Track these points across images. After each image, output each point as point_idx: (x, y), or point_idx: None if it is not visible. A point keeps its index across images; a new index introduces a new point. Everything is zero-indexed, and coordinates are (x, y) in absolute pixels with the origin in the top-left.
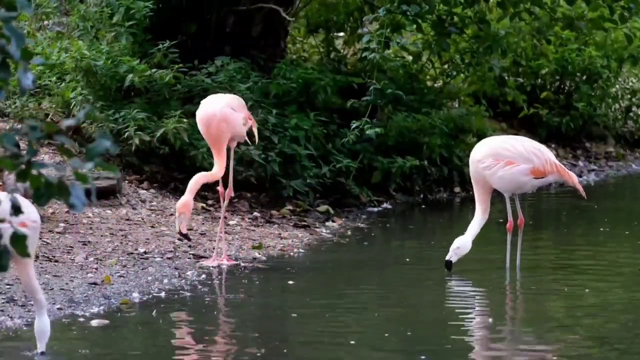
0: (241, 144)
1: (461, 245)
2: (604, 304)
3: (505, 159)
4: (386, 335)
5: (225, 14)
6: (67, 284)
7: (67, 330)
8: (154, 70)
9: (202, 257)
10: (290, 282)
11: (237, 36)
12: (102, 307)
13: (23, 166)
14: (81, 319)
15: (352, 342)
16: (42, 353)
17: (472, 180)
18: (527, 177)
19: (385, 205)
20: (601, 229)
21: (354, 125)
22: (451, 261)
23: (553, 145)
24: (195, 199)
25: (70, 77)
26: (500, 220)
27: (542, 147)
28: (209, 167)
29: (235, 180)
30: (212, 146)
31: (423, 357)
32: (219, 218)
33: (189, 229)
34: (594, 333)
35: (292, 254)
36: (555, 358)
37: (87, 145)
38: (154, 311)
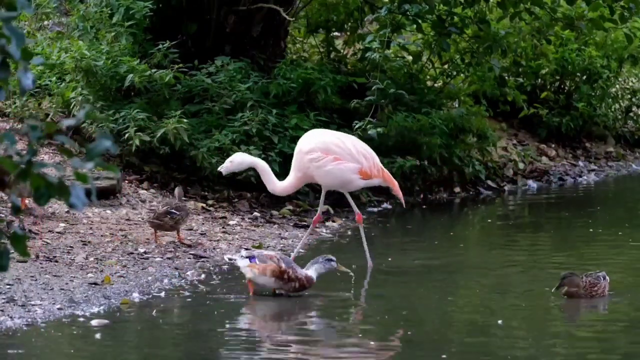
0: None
1: (234, 159)
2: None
3: (333, 154)
4: (387, 335)
5: (225, 14)
6: (67, 284)
7: (67, 330)
8: (154, 70)
9: (202, 257)
10: None
11: (237, 36)
12: (102, 307)
13: (23, 166)
14: (81, 319)
15: (353, 342)
16: None
17: (292, 167)
18: (355, 176)
19: (385, 205)
20: (591, 230)
21: (356, 126)
22: (221, 172)
23: (553, 145)
24: (195, 198)
25: (70, 77)
26: (499, 223)
27: (371, 150)
28: (209, 167)
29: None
30: None
31: (444, 356)
32: (219, 218)
33: (189, 229)
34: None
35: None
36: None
37: (87, 145)
38: (154, 311)
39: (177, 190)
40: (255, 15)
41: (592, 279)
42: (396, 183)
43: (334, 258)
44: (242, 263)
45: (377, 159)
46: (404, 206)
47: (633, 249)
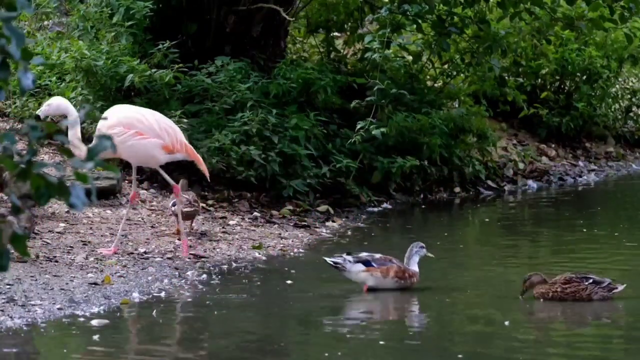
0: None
1: (52, 103)
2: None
3: (135, 129)
4: (387, 335)
5: (225, 14)
6: (67, 284)
7: (67, 330)
8: (154, 70)
9: (202, 257)
10: (290, 282)
11: (237, 36)
12: (102, 307)
13: (23, 166)
14: (81, 319)
15: (353, 342)
16: None
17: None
18: (157, 151)
19: (385, 205)
20: (590, 230)
21: (359, 126)
22: (39, 115)
23: (553, 145)
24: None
25: (70, 77)
26: (493, 220)
27: (174, 126)
28: (208, 167)
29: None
30: None
31: (460, 356)
32: (219, 218)
33: (189, 229)
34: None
35: (292, 254)
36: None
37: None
38: (154, 311)
39: (181, 182)
40: (255, 15)
41: (568, 278)
42: (200, 158)
43: (424, 245)
44: (356, 268)
45: (180, 134)
46: (209, 180)
47: (631, 249)
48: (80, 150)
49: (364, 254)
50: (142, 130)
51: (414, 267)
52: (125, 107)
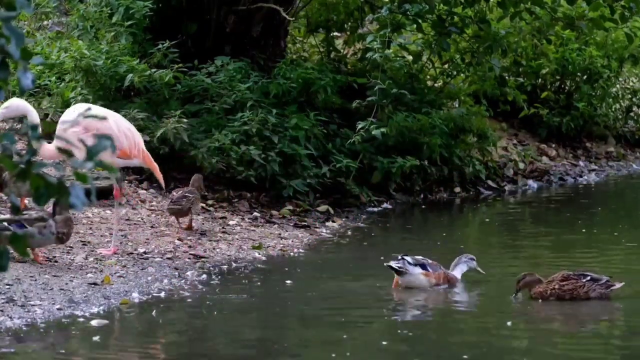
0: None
1: (11, 105)
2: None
3: (94, 131)
4: (387, 335)
5: (225, 14)
6: (67, 284)
7: (67, 330)
8: (153, 70)
9: (202, 257)
10: (290, 282)
11: (237, 36)
12: (102, 307)
13: (23, 166)
14: (81, 319)
15: (353, 342)
16: None
17: (55, 138)
18: (113, 155)
19: (385, 205)
20: (591, 230)
21: (359, 126)
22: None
23: (553, 145)
24: None
25: (70, 76)
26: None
27: (134, 130)
28: (209, 167)
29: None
30: None
31: (465, 356)
32: (219, 218)
33: (189, 230)
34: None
35: (292, 254)
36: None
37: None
38: (154, 311)
39: (195, 177)
40: (255, 15)
41: (565, 275)
42: (156, 166)
43: (474, 257)
44: (416, 271)
45: (138, 138)
46: (164, 189)
47: (631, 249)
48: (44, 150)
49: (419, 257)
50: (100, 132)
51: (455, 274)
52: (86, 106)
